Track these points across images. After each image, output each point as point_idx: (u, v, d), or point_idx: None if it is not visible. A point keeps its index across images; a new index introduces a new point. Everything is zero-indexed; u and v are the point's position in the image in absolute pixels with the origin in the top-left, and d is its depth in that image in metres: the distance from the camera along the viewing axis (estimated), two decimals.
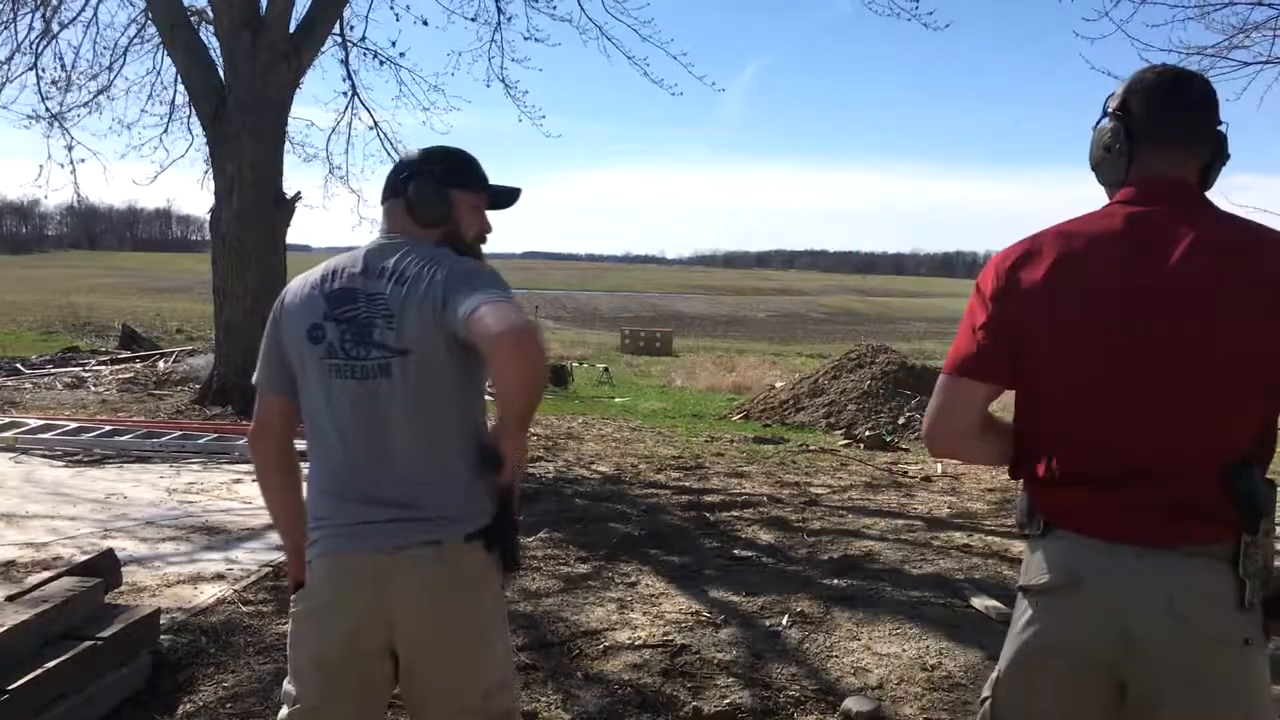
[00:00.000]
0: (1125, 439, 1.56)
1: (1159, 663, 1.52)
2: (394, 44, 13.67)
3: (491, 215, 2.06)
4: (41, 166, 12.03)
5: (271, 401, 1.99)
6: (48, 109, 11.76)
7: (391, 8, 15.71)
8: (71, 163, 11.96)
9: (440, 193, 1.93)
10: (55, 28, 11.60)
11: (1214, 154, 1.66)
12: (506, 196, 2.06)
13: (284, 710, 1.96)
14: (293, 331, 1.92)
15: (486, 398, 1.89)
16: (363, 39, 12.35)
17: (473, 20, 11.94)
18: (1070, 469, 1.61)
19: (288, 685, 1.97)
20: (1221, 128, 1.67)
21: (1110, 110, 1.68)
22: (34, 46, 11.48)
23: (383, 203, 1.99)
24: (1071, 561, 1.60)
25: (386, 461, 1.83)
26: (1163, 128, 1.64)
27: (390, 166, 2.05)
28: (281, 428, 2.01)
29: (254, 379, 2.02)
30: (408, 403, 1.82)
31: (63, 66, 11.84)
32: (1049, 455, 1.63)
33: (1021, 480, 1.71)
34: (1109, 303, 1.56)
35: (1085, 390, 1.58)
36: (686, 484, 7.07)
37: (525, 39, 12.33)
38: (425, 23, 12.27)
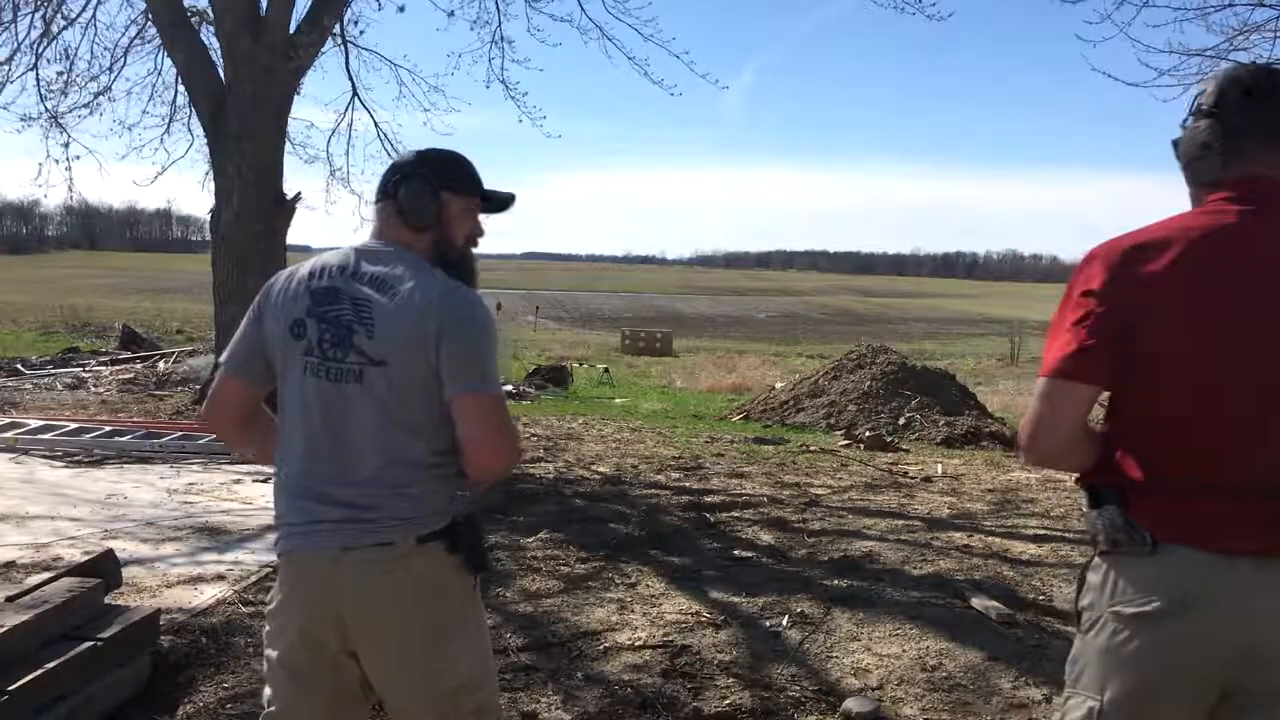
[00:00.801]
0: (1259, 446, 1.50)
1: None
2: (356, 24, 13.60)
3: (488, 217, 2.06)
4: (40, 165, 12.04)
5: (229, 383, 2.03)
6: (48, 109, 11.75)
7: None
8: (68, 160, 11.95)
9: (431, 196, 1.91)
10: (55, 28, 11.60)
11: None
12: (500, 202, 2.04)
13: (263, 712, 1.98)
14: (276, 324, 1.93)
15: None
16: (363, 33, 12.34)
17: (474, 23, 11.92)
18: (1192, 477, 1.52)
19: (266, 687, 1.99)
20: None
21: (1205, 108, 1.64)
22: (34, 47, 11.48)
23: (375, 203, 1.99)
24: (1191, 580, 1.49)
25: (345, 463, 1.84)
26: (1263, 124, 1.60)
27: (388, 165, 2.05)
28: (236, 409, 2.04)
29: (220, 358, 2.03)
30: (375, 410, 1.83)
31: (64, 67, 11.85)
32: (1163, 461, 1.54)
33: (1101, 489, 1.62)
34: (1245, 301, 1.50)
35: (1217, 393, 1.50)
36: (687, 484, 7.07)
37: (527, 34, 12.25)
38: (402, 9, 12.23)
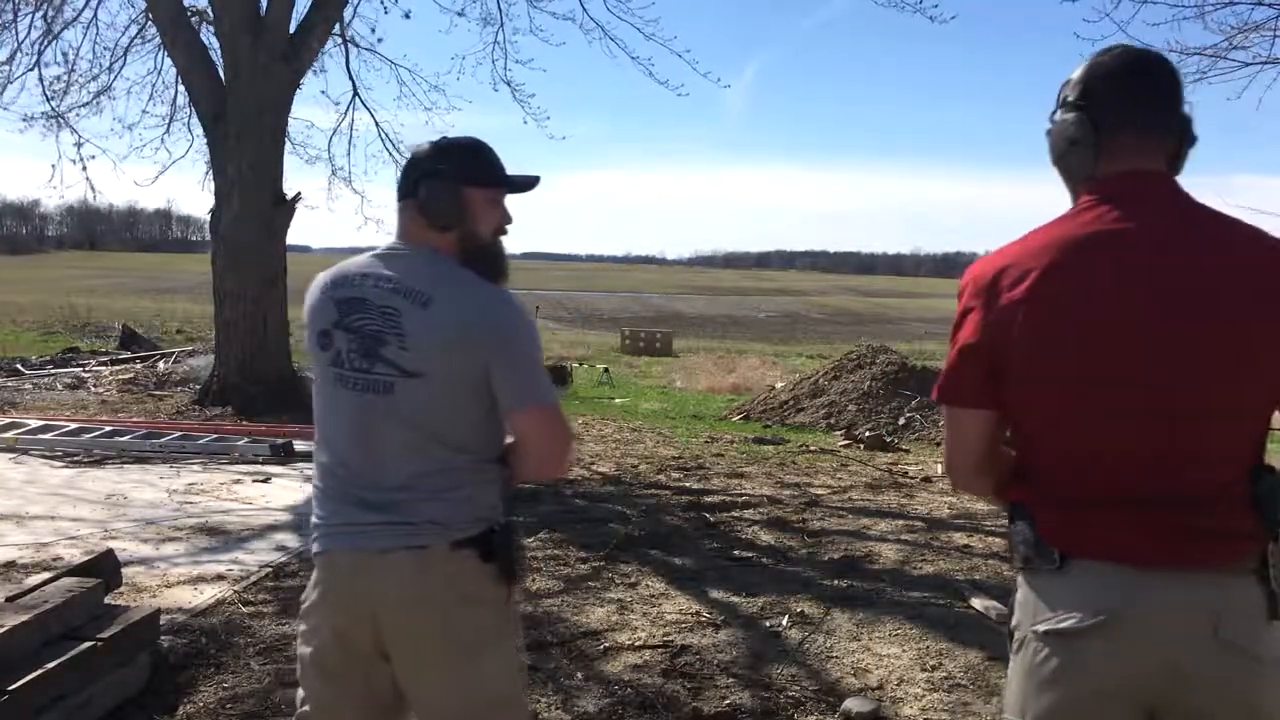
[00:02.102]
0: (1158, 456, 1.44)
1: (1208, 689, 1.41)
2: (375, 33, 13.56)
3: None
4: (54, 166, 12.05)
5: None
6: (53, 108, 11.76)
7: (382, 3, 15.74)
8: (81, 160, 11.96)
9: (452, 193, 1.85)
10: (56, 28, 11.60)
11: (1182, 138, 1.55)
12: (523, 186, 1.97)
13: (296, 712, 1.97)
14: (308, 336, 1.92)
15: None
16: (374, 38, 12.34)
17: (479, 23, 11.94)
18: (1089, 491, 1.47)
19: (299, 688, 1.97)
20: (1187, 108, 1.56)
21: (1071, 100, 1.55)
22: (35, 47, 11.49)
23: (397, 201, 1.93)
24: (1103, 595, 1.44)
25: (379, 472, 1.82)
26: (1135, 114, 1.52)
27: (394, 167, 2.05)
28: None
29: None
30: (407, 422, 1.80)
31: (65, 66, 11.85)
32: (1059, 477, 1.50)
33: (1013, 506, 1.59)
34: (1123, 308, 1.43)
35: (1102, 407, 1.45)
36: (687, 485, 7.07)
37: (530, 33, 12.29)
38: (408, 16, 12.25)
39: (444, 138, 1.96)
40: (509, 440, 1.87)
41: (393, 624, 1.81)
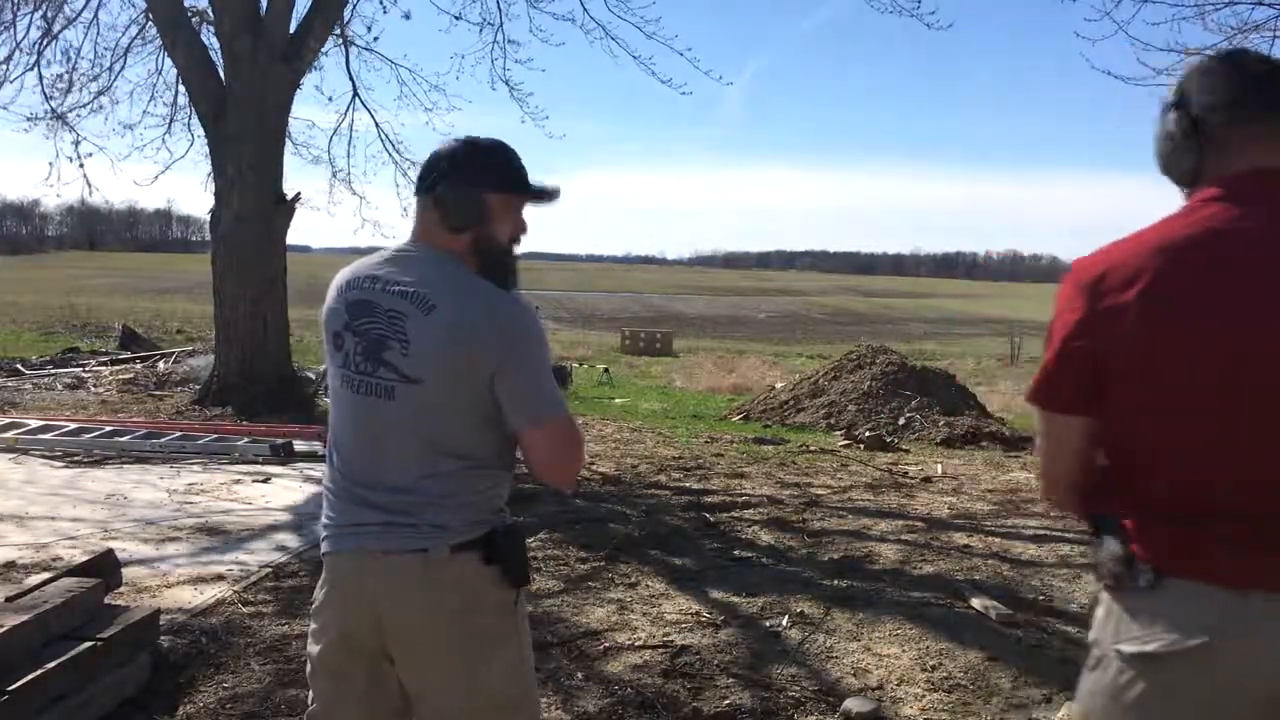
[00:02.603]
0: (1258, 469, 1.36)
1: None
2: (370, 32, 13.55)
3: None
4: (51, 164, 12.06)
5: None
6: (52, 108, 11.77)
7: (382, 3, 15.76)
8: (79, 158, 11.97)
9: (472, 197, 1.82)
10: (56, 28, 11.60)
11: None
12: (544, 196, 1.92)
13: (307, 710, 1.99)
14: (324, 337, 1.93)
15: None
16: (374, 41, 12.34)
17: (477, 24, 11.94)
18: (1192, 506, 1.39)
19: (310, 688, 1.98)
20: None
21: (1170, 100, 1.52)
22: (35, 46, 11.49)
23: (415, 196, 1.91)
24: (1200, 619, 1.35)
25: (383, 473, 1.82)
26: (1237, 110, 1.45)
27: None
28: None
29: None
30: (409, 427, 1.80)
31: (65, 67, 11.85)
32: (1160, 491, 1.42)
33: (1101, 519, 1.49)
34: (1230, 314, 1.35)
35: (1216, 418, 1.36)
36: (687, 485, 7.07)
37: (530, 34, 12.31)
38: (408, 17, 12.24)
39: (470, 137, 1.90)
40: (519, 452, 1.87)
41: (395, 626, 1.81)
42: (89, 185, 12.52)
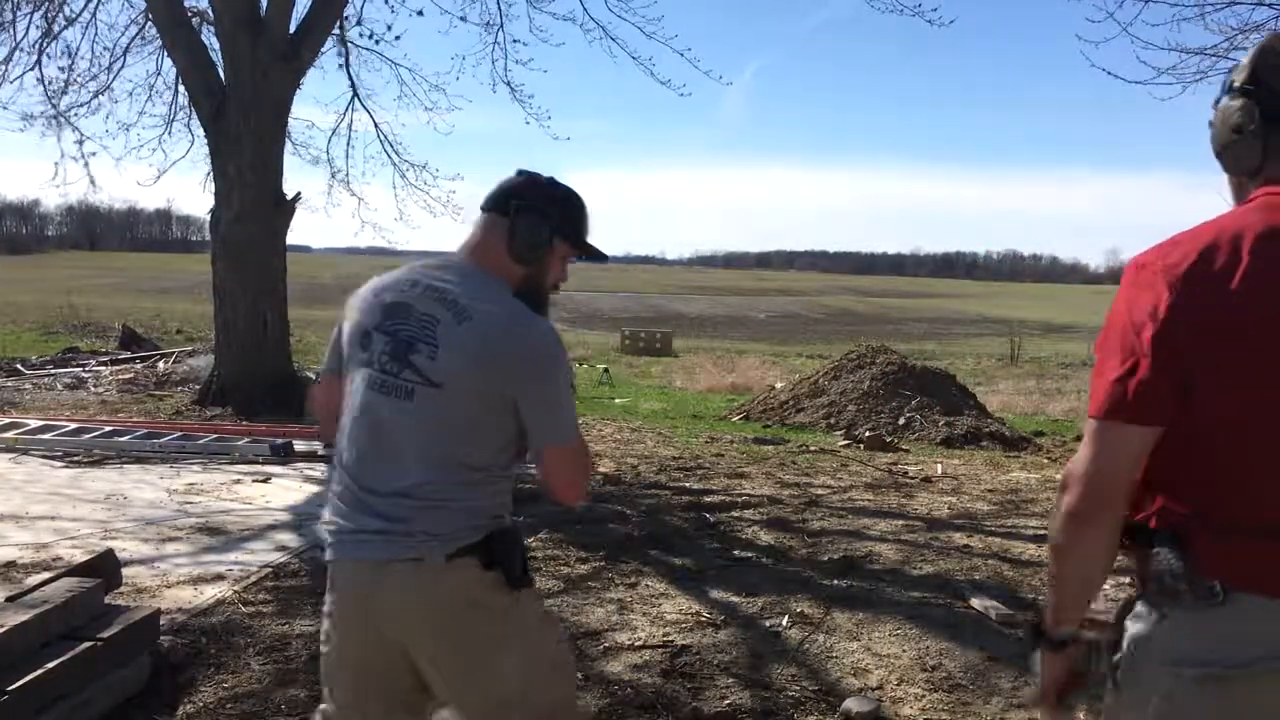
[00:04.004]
0: None
1: None
2: (389, 29, 13.53)
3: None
4: (56, 164, 12.08)
5: (325, 379, 2.05)
6: (54, 106, 11.78)
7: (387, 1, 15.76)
8: (84, 156, 11.98)
9: (544, 238, 1.90)
10: (56, 28, 11.61)
11: None
12: (598, 257, 2.04)
13: (319, 708, 2.02)
14: (349, 333, 1.95)
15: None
16: (373, 37, 12.32)
17: (478, 25, 11.95)
18: (1266, 516, 1.31)
19: (324, 686, 2.01)
20: None
21: (1238, 85, 1.41)
22: (36, 46, 11.50)
23: (482, 210, 1.94)
24: (1268, 635, 1.28)
25: (388, 475, 1.84)
26: None
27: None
28: (328, 400, 2.05)
29: (318, 374, 2.06)
30: (422, 428, 1.82)
31: (65, 66, 11.86)
32: (1229, 500, 1.33)
33: (1155, 530, 1.38)
34: None
35: None
36: (687, 485, 7.07)
37: (530, 34, 12.31)
38: (420, 13, 12.25)
39: (557, 181, 1.98)
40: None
41: (402, 633, 1.83)
42: (93, 184, 12.55)
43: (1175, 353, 1.30)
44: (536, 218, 1.89)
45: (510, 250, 1.89)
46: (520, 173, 1.97)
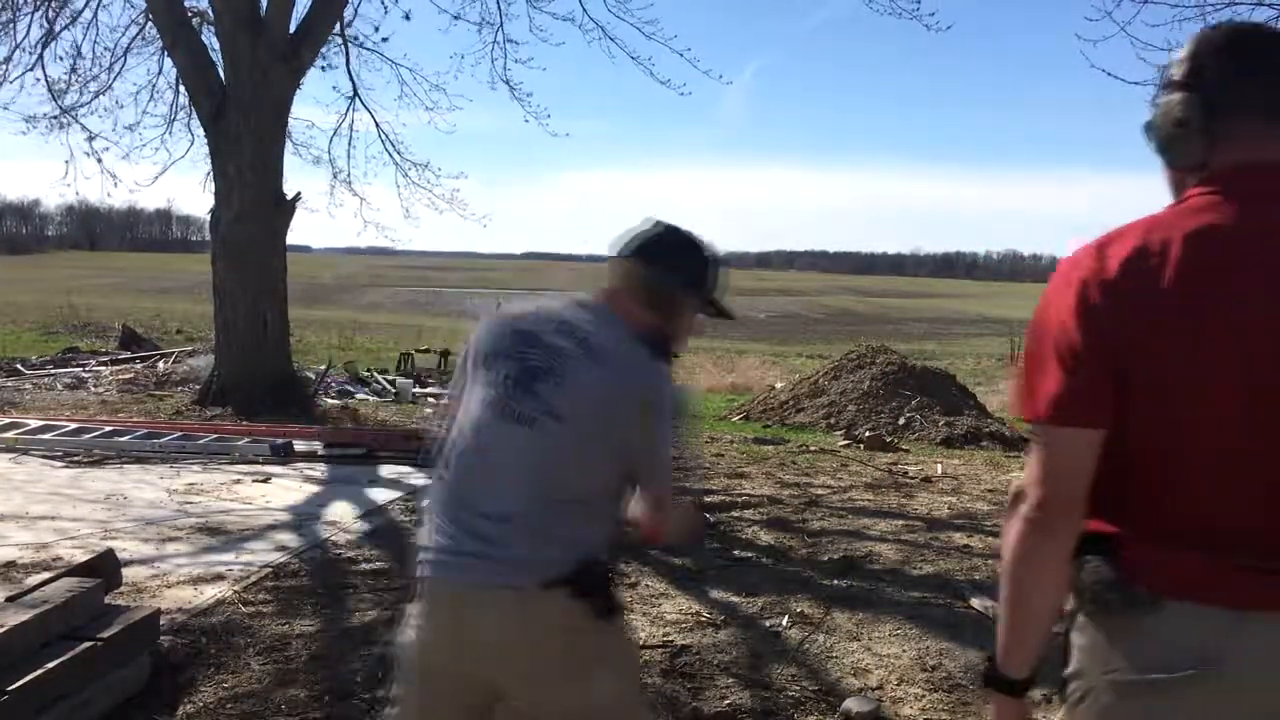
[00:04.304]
0: (1269, 478, 1.25)
1: None
2: (377, 29, 13.54)
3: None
4: (67, 163, 12.10)
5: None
6: (60, 107, 11.78)
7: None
8: (95, 153, 12.00)
9: (677, 293, 1.97)
10: (57, 28, 11.62)
11: None
12: (728, 315, 2.12)
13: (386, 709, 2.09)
14: (475, 354, 1.98)
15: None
16: (358, 40, 12.33)
17: (477, 24, 11.95)
18: (1197, 523, 1.28)
19: (395, 688, 2.05)
20: None
21: (1177, 79, 1.36)
22: (36, 47, 11.50)
23: (621, 255, 1.98)
24: (1197, 641, 1.25)
25: (492, 499, 1.86)
26: (1257, 93, 1.31)
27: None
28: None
29: (448, 395, 2.09)
30: (535, 458, 1.85)
31: (66, 66, 11.86)
32: (1160, 506, 1.31)
33: (1085, 538, 1.35)
34: (1265, 314, 1.24)
35: (1233, 428, 1.26)
36: (686, 485, 7.06)
37: (530, 34, 12.29)
38: (408, 17, 12.23)
39: (695, 236, 2.02)
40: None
41: (488, 656, 1.86)
42: (113, 178, 12.59)
43: (1108, 354, 1.28)
44: (671, 271, 1.95)
45: (643, 299, 1.94)
46: (658, 224, 2.01)
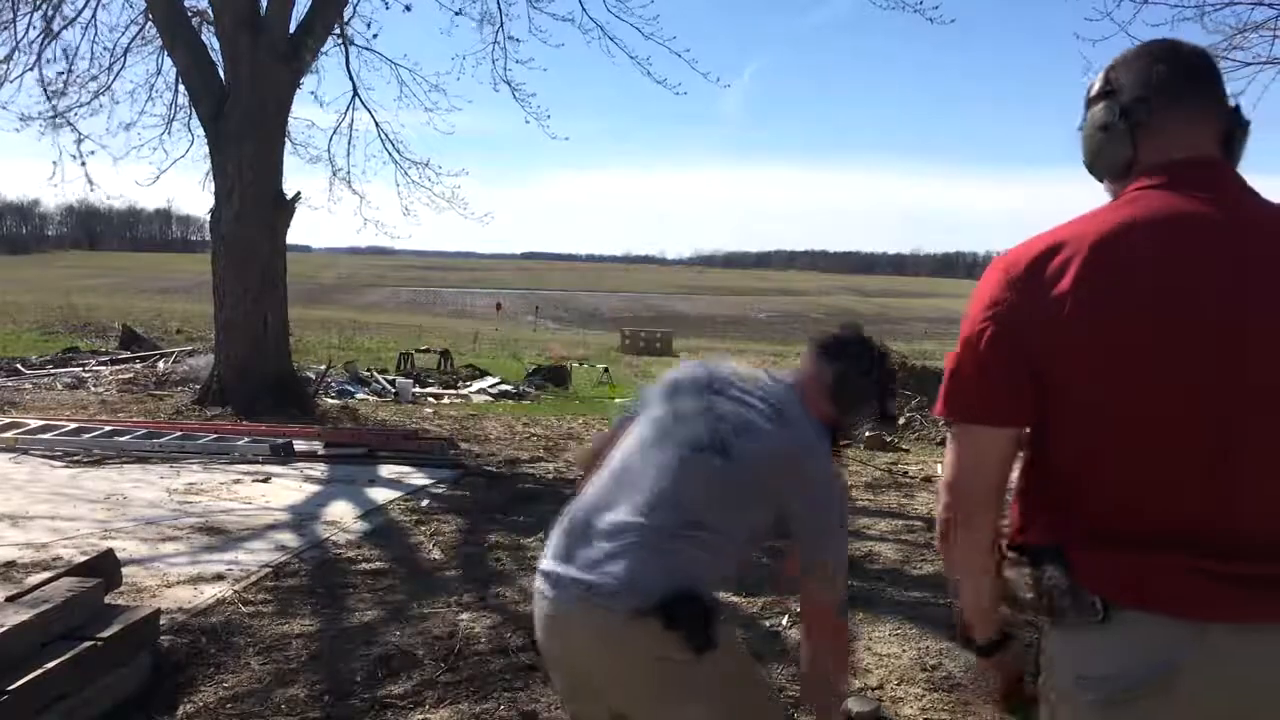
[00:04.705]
0: (1230, 490, 1.23)
1: None
2: (369, 25, 13.52)
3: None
4: (55, 163, 12.07)
5: (626, 426, 2.16)
6: (54, 107, 11.77)
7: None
8: (81, 156, 11.98)
9: (861, 401, 2.09)
10: (56, 27, 11.61)
11: (1231, 121, 1.38)
12: (891, 423, 2.38)
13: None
14: (661, 387, 2.09)
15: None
16: (352, 42, 12.33)
17: (478, 22, 11.93)
18: (1143, 527, 1.26)
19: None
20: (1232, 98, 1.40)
21: (1095, 93, 1.43)
22: (34, 46, 11.50)
23: (815, 350, 2.10)
24: (1152, 653, 1.23)
25: (622, 508, 1.90)
26: (1167, 95, 1.36)
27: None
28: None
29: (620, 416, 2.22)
30: (690, 477, 1.91)
31: (66, 68, 11.86)
32: (1105, 511, 1.29)
33: (1039, 548, 1.36)
34: (1184, 310, 1.22)
35: (1165, 425, 1.24)
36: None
37: (530, 34, 12.27)
38: (408, 8, 12.20)
39: (886, 350, 2.20)
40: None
41: (594, 676, 1.92)
42: (90, 183, 12.54)
43: (1014, 352, 1.29)
44: (864, 380, 2.08)
45: (831, 394, 2.06)
46: (854, 329, 2.18)
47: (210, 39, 10.19)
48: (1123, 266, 1.25)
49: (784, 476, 1.93)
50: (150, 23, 11.08)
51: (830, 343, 2.12)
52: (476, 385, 14.72)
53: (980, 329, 1.33)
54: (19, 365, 13.31)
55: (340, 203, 14.57)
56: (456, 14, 12.07)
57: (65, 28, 11.73)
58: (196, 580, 4.40)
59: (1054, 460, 1.33)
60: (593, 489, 1.99)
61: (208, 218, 10.04)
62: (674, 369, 2.16)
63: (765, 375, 2.07)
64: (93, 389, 11.48)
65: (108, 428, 7.98)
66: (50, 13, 11.47)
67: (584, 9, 11.42)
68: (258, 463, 7.18)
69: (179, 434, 7.84)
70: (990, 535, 1.41)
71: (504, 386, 14.77)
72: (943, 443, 9.98)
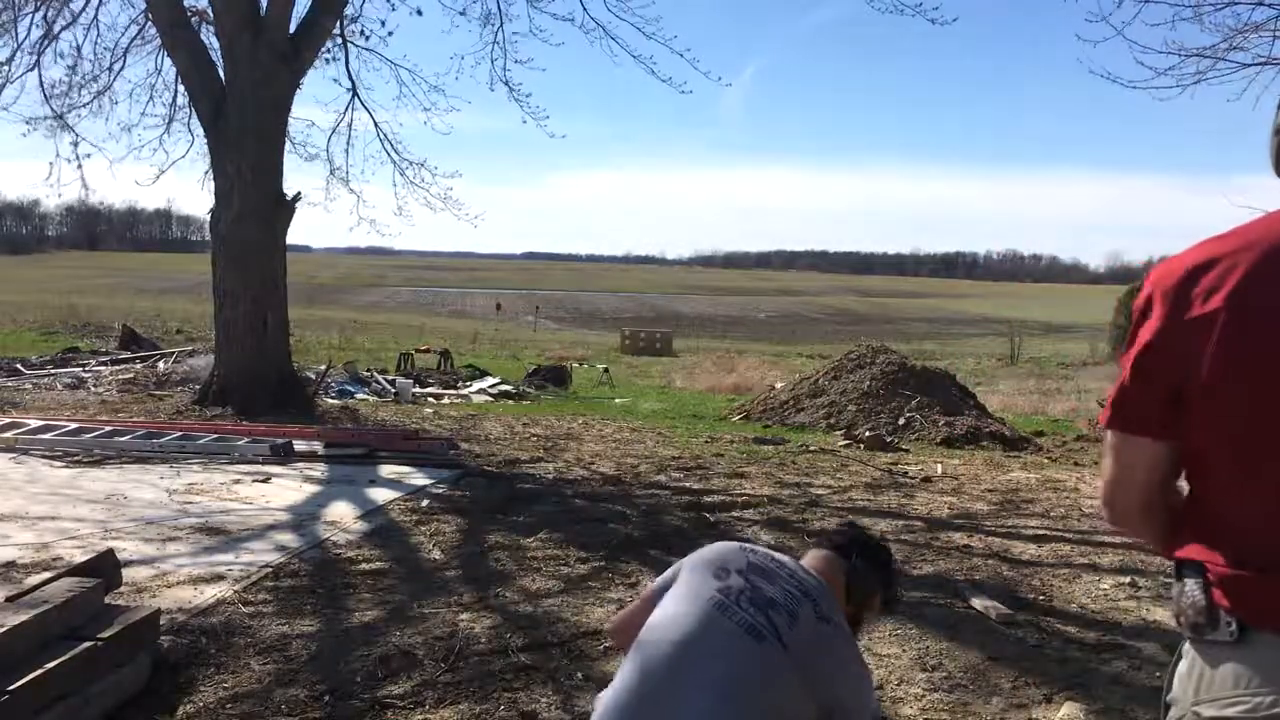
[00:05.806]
0: None
1: None
2: (383, 24, 13.51)
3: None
4: (51, 165, 12.08)
5: (658, 595, 2.12)
6: (53, 109, 11.78)
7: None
8: (78, 158, 11.99)
9: (872, 594, 2.20)
10: (57, 29, 11.61)
11: None
12: (892, 610, 2.54)
13: None
14: (705, 562, 2.06)
15: None
16: (364, 34, 12.33)
17: (479, 22, 11.94)
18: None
19: None
20: None
21: None
22: (35, 47, 11.50)
23: (829, 549, 2.19)
24: None
25: (683, 706, 1.84)
26: None
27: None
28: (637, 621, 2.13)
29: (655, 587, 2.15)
30: (744, 670, 1.88)
31: (69, 68, 11.86)
32: (1249, 532, 1.26)
33: (1184, 563, 1.32)
34: None
35: None
36: (687, 484, 7.07)
37: (529, 34, 12.24)
38: (420, 12, 12.22)
39: (889, 549, 2.36)
40: None
41: None
42: (85, 187, 12.57)
43: (1160, 367, 1.28)
44: (875, 578, 2.20)
45: (847, 589, 2.14)
46: (858, 530, 2.34)
47: (210, 39, 10.21)
48: (1267, 286, 1.21)
49: (833, 678, 1.95)
50: (150, 23, 11.09)
51: (841, 545, 2.21)
52: (476, 385, 14.72)
53: (1135, 341, 1.33)
54: (19, 365, 13.31)
55: (337, 200, 14.61)
56: (460, 14, 12.09)
57: (66, 28, 11.75)
58: (196, 580, 4.40)
59: (1200, 478, 1.32)
60: (632, 682, 1.90)
61: (208, 218, 10.04)
62: (704, 550, 2.14)
63: (802, 570, 2.09)
64: (93, 389, 11.49)
65: (108, 428, 7.98)
66: (52, 14, 11.48)
67: (584, 8, 11.43)
68: (258, 463, 7.18)
69: (179, 434, 7.84)
70: (1152, 537, 1.41)
71: (504, 386, 14.78)
72: (942, 443, 10.00)
